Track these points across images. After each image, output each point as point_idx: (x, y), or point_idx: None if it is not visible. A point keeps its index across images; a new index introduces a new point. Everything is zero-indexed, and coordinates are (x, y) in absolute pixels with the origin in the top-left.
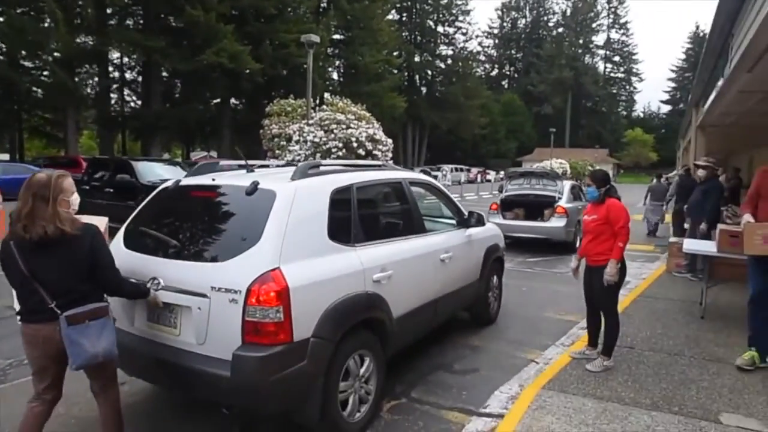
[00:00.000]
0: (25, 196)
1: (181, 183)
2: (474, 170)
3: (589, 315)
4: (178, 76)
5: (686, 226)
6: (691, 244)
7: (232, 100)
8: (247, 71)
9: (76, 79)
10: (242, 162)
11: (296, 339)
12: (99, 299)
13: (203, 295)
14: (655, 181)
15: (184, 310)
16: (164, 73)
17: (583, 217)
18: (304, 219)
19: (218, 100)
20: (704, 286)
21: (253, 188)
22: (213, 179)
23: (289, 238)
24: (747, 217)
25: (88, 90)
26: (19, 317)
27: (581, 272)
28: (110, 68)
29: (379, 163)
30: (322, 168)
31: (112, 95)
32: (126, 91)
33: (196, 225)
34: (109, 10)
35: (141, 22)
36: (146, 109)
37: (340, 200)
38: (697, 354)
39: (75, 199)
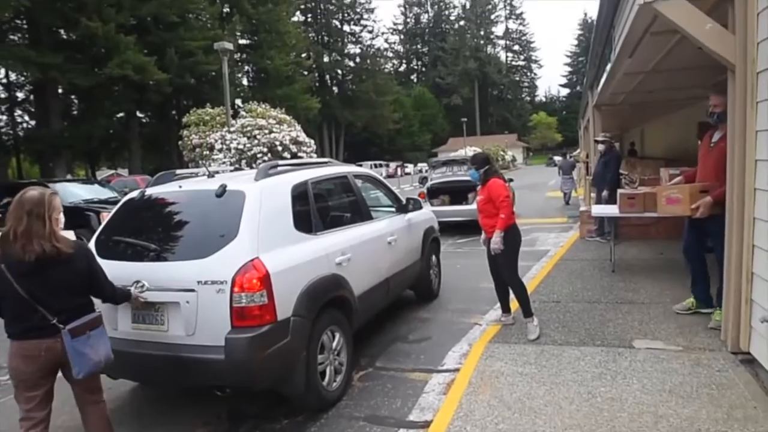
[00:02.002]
0: (18, 213)
1: (148, 192)
2: (393, 165)
3: (495, 284)
4: (77, 91)
5: (593, 195)
6: (597, 209)
7: (138, 113)
8: (153, 82)
9: None
10: (194, 171)
11: (279, 318)
12: (92, 309)
13: (190, 290)
14: (561, 158)
15: (171, 307)
16: (59, 90)
17: (477, 198)
18: (272, 213)
19: (122, 114)
20: (612, 245)
21: (222, 190)
22: (180, 186)
23: (263, 231)
24: (676, 179)
25: None
26: (8, 335)
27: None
28: None
29: (325, 160)
30: (279, 168)
31: (0, 117)
32: (17, 112)
33: (172, 228)
34: None
35: (27, 36)
36: (45, 129)
37: (299, 195)
38: (611, 300)
39: (61, 218)
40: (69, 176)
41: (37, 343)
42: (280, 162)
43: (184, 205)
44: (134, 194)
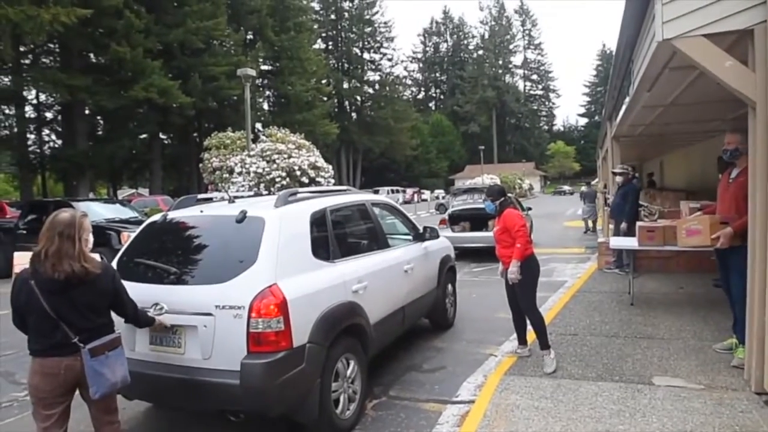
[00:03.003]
0: (50, 234)
1: (170, 216)
2: (409, 191)
3: (513, 315)
4: (103, 113)
5: (611, 226)
6: (616, 241)
7: (161, 135)
8: (177, 105)
9: None
10: (216, 194)
11: (295, 345)
12: (112, 330)
13: (208, 314)
14: (585, 187)
15: (189, 330)
16: (86, 111)
17: (494, 229)
18: (291, 240)
19: (145, 135)
20: (631, 277)
21: (243, 217)
22: (201, 211)
23: (281, 258)
24: (696, 213)
25: (5, 132)
26: (30, 352)
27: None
28: (26, 108)
29: (344, 188)
30: (299, 195)
31: (29, 136)
32: (45, 131)
33: (192, 252)
34: (22, 48)
35: (58, 59)
36: (71, 149)
37: (318, 223)
38: (630, 334)
39: (90, 239)
40: (91, 195)
41: (58, 361)
42: (300, 189)
43: (204, 230)
44: (157, 217)
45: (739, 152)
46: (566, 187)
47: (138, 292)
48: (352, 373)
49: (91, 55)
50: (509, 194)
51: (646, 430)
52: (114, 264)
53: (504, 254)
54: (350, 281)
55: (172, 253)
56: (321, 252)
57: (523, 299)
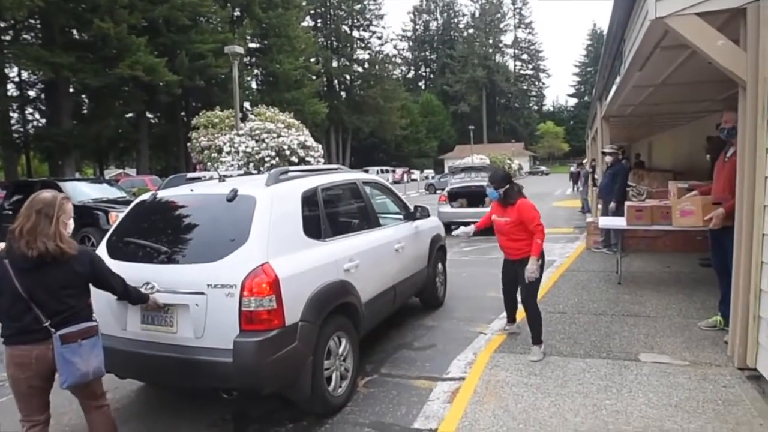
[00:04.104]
0: (28, 212)
1: (160, 195)
2: (399, 171)
3: (505, 298)
4: (87, 91)
5: (599, 205)
6: (605, 221)
7: (148, 114)
8: (163, 83)
9: None
10: (205, 174)
11: (288, 323)
12: (89, 318)
13: (200, 293)
14: (573, 167)
15: (181, 309)
16: (70, 89)
17: (493, 217)
18: (282, 219)
19: (131, 114)
20: (618, 257)
21: (234, 195)
22: (191, 189)
23: (273, 237)
24: (691, 194)
25: None
26: (2, 340)
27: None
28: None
29: (335, 166)
30: (290, 174)
31: (12, 114)
32: (28, 110)
33: (183, 231)
34: (2, 24)
35: (40, 36)
36: (55, 128)
37: (309, 201)
38: (617, 312)
39: (71, 224)
40: (77, 175)
41: (29, 350)
42: (291, 168)
43: (195, 209)
44: (146, 197)
45: (736, 131)
46: (543, 168)
47: (128, 271)
48: (344, 351)
49: (74, 32)
50: (516, 182)
51: (633, 405)
52: (103, 244)
53: (511, 247)
54: (342, 260)
55: (162, 232)
56: (312, 231)
57: (527, 292)
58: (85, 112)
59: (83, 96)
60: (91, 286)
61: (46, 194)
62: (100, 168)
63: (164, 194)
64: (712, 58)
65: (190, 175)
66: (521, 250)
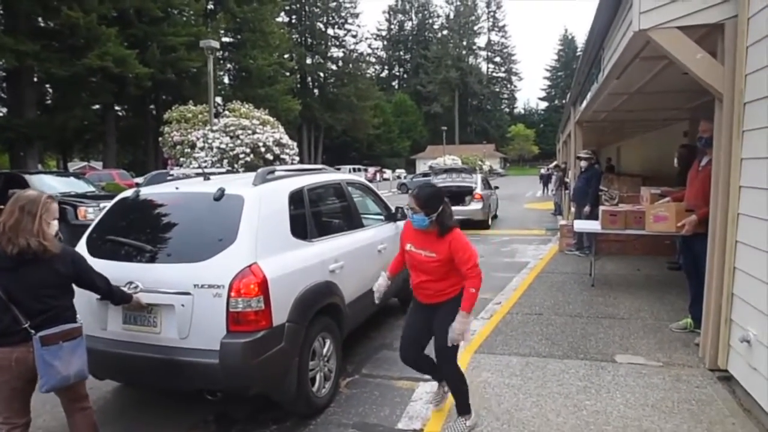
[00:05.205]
0: (11, 208)
1: (143, 192)
2: (371, 170)
3: (411, 357)
4: (52, 81)
5: (572, 209)
6: (579, 224)
7: (116, 106)
8: (133, 75)
9: None
10: (173, 170)
11: (275, 324)
12: (72, 319)
13: (186, 293)
14: (543, 170)
15: (165, 309)
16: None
17: (407, 247)
18: (270, 219)
19: (98, 106)
20: (592, 259)
21: (221, 194)
22: (177, 188)
23: (261, 237)
24: (664, 200)
25: None
26: None
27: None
28: None
29: (319, 166)
30: (276, 173)
31: None
32: None
33: (168, 230)
34: None
35: (2, 22)
36: (18, 118)
37: (296, 201)
38: (592, 314)
39: (54, 224)
40: (40, 166)
41: (8, 352)
42: (277, 167)
43: (180, 207)
44: (128, 193)
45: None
46: (501, 170)
47: (110, 270)
48: (328, 352)
49: (40, 19)
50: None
51: (611, 405)
52: (83, 241)
53: (431, 288)
54: (327, 260)
55: (146, 231)
56: (299, 231)
57: (447, 356)
58: (49, 102)
59: (47, 86)
60: (74, 286)
61: (32, 192)
62: (63, 160)
63: (148, 191)
64: (690, 69)
65: (173, 172)
66: (444, 291)
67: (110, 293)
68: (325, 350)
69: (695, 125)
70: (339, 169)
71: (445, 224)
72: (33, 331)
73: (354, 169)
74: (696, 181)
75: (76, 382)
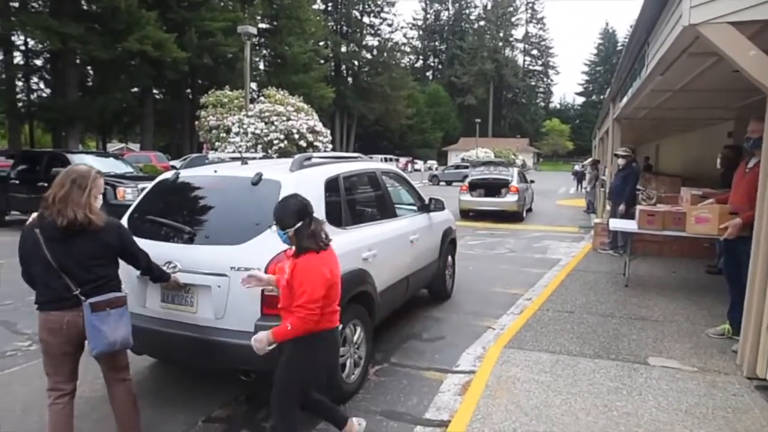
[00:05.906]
0: (62, 181)
1: (182, 174)
2: (402, 160)
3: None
4: (94, 63)
5: (608, 207)
6: (615, 223)
7: (154, 89)
8: (171, 59)
9: None
10: (223, 156)
11: None
12: (118, 288)
13: (223, 275)
14: (578, 166)
15: (202, 290)
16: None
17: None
18: None
19: (137, 89)
20: (627, 259)
21: (258, 179)
22: (215, 171)
23: None
24: (707, 202)
25: None
26: (36, 306)
27: None
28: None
29: (355, 155)
30: (313, 160)
31: (17, 83)
32: (33, 79)
33: (206, 212)
34: None
35: (48, 5)
36: (61, 99)
37: (331, 188)
38: (625, 315)
39: (100, 199)
40: (80, 147)
41: (60, 315)
42: (314, 154)
43: (218, 191)
44: (168, 175)
45: (761, 141)
46: (531, 166)
47: (150, 249)
48: (359, 339)
49: (83, 2)
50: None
51: (643, 408)
52: (124, 220)
53: (283, 318)
54: (361, 248)
55: (185, 212)
56: (334, 218)
57: (281, 386)
58: (90, 84)
59: (89, 68)
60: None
61: (83, 166)
62: (103, 141)
63: (187, 174)
64: (742, 67)
65: (210, 156)
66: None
67: (150, 269)
68: (356, 337)
69: (741, 125)
70: (371, 158)
71: (300, 245)
72: (83, 298)
73: (385, 159)
74: (742, 183)
75: (119, 351)
